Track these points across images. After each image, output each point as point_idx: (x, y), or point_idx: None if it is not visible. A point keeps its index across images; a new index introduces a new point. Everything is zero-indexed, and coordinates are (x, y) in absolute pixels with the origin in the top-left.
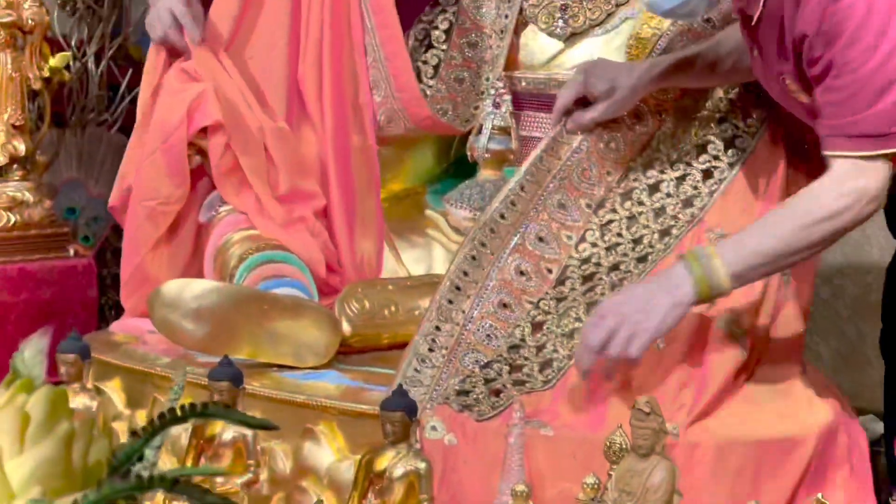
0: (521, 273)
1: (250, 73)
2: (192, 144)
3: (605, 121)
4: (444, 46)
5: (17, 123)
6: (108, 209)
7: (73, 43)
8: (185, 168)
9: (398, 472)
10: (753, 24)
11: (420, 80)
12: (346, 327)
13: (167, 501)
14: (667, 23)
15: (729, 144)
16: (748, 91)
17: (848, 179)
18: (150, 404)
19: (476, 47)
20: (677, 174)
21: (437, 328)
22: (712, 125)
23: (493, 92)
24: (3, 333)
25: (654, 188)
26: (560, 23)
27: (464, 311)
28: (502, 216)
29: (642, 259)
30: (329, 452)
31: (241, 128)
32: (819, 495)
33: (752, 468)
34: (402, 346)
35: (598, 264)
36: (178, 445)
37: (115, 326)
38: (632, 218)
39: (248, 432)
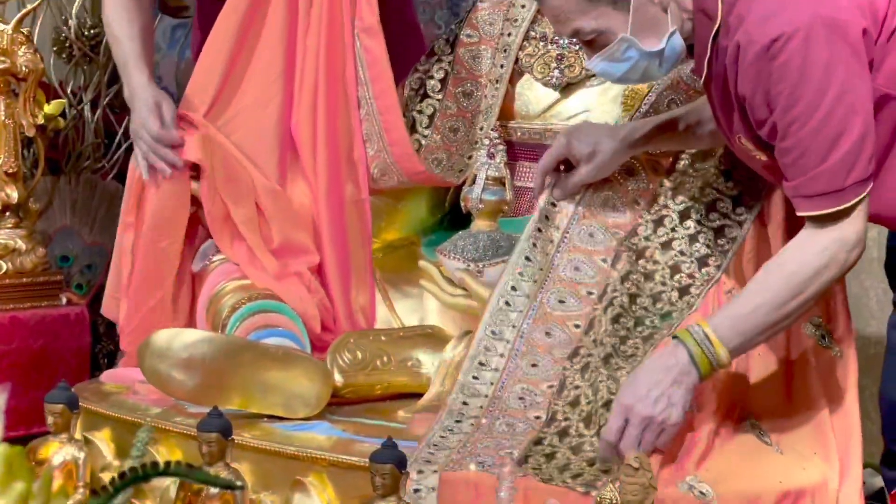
0: (548, 335)
1: (240, 132)
2: None
3: (596, 182)
4: (440, 96)
5: (11, 171)
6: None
7: (69, 90)
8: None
9: None
10: (702, 85)
11: (415, 130)
12: (338, 378)
13: None
14: None
15: (737, 202)
16: None
17: (822, 234)
18: None
19: (471, 97)
20: (689, 232)
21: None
22: (720, 181)
23: (487, 142)
24: None
25: (666, 245)
26: (556, 73)
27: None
28: (514, 288)
29: (666, 316)
30: None
31: (232, 176)
32: None
33: None
34: (395, 396)
35: (621, 315)
36: (166, 497)
37: (105, 376)
38: (648, 276)
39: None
